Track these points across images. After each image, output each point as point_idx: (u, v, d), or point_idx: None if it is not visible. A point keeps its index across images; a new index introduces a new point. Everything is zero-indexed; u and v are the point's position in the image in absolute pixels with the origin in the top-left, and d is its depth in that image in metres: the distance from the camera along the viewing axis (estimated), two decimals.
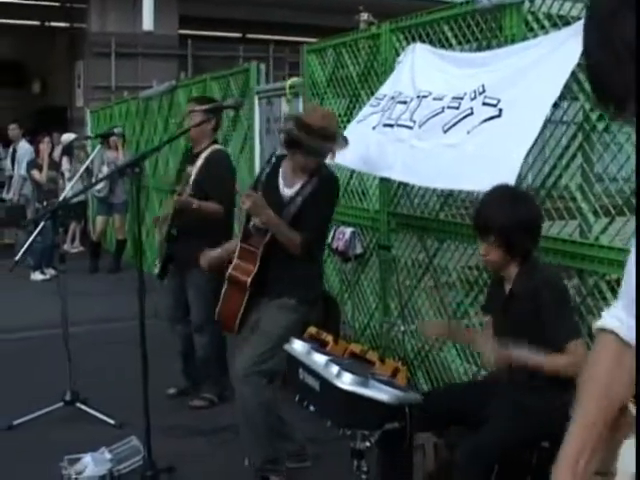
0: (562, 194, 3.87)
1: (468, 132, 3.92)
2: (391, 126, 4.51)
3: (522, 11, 4.00)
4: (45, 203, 10.49)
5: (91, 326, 6.25)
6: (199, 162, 5.23)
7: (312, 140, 3.81)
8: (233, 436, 4.78)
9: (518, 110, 3.68)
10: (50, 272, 10.38)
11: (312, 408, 2.89)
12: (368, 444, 3.02)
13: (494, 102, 3.82)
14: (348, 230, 5.55)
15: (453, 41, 4.59)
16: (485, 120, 3.82)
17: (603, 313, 1.71)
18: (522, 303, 3.19)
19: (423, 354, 5.03)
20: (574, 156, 3.77)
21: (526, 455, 3.23)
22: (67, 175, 11.74)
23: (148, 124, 10.75)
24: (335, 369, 2.83)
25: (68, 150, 12.00)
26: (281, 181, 4.00)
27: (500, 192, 3.29)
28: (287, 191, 3.96)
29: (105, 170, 10.25)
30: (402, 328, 5.01)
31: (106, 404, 5.08)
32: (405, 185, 5.07)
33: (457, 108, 4.03)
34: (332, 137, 3.87)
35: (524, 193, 3.32)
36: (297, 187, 3.93)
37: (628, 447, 1.49)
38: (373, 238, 5.54)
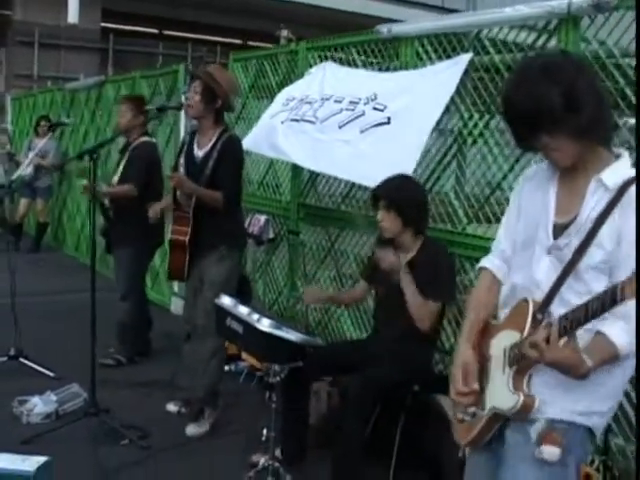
0: (439, 193, 4.79)
1: (361, 131, 4.77)
2: (297, 121, 5.38)
3: (414, 44, 4.93)
4: None
5: (20, 298, 6.81)
6: (127, 153, 6.08)
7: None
8: (155, 389, 5.50)
9: (405, 121, 4.52)
10: None
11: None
12: (278, 379, 3.84)
13: (381, 107, 4.69)
14: (262, 217, 6.43)
15: (359, 62, 5.50)
16: (376, 125, 4.68)
17: (483, 259, 2.60)
18: (422, 270, 3.95)
19: (323, 324, 5.92)
20: (449, 163, 4.71)
21: (401, 396, 4.03)
22: None
23: (74, 115, 11.26)
24: (256, 316, 3.67)
25: None
26: (195, 145, 4.83)
27: (398, 174, 4.13)
28: (199, 152, 4.77)
29: (31, 156, 10.75)
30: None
31: (45, 362, 5.74)
32: (313, 180, 5.96)
33: (353, 110, 4.92)
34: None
35: (414, 179, 4.21)
36: (207, 148, 4.75)
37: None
38: (284, 225, 6.39)
